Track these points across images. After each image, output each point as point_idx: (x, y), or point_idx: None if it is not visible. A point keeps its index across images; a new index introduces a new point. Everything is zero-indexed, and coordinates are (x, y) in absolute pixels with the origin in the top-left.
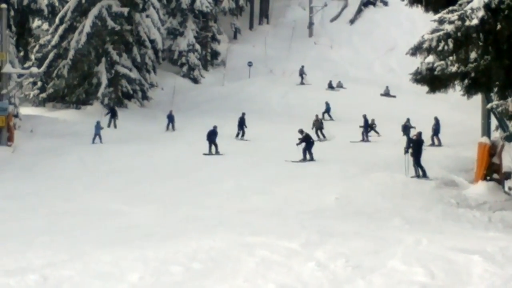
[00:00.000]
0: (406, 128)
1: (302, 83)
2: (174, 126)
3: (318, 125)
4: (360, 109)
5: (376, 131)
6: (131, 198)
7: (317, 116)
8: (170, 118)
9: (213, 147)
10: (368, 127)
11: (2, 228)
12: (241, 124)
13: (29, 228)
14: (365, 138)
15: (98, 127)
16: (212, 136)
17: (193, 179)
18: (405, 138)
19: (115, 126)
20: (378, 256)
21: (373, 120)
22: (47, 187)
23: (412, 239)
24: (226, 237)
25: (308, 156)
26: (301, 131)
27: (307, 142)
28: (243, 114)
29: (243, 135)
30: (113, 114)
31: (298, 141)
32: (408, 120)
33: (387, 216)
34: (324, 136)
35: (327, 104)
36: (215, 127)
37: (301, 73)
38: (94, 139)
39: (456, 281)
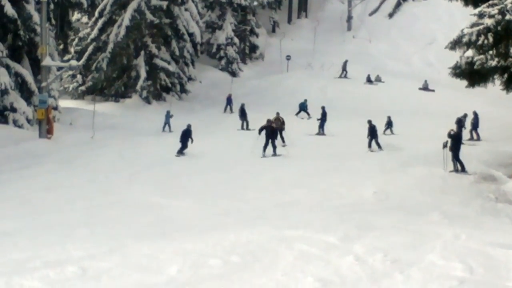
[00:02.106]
0: (460, 122)
1: (345, 76)
2: (232, 108)
3: (279, 126)
4: (398, 103)
5: (391, 130)
6: (169, 191)
7: (277, 114)
8: (229, 101)
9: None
10: (323, 120)
11: (42, 220)
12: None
13: (68, 220)
14: (321, 131)
15: (168, 116)
16: (185, 136)
17: (231, 172)
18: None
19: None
20: (416, 251)
21: (389, 117)
22: (86, 180)
23: (450, 234)
24: (264, 231)
25: (272, 151)
26: (268, 120)
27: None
28: (243, 104)
29: (247, 126)
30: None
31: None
32: (465, 115)
33: (425, 211)
34: (283, 141)
35: (305, 101)
36: (189, 126)
37: (344, 67)
38: (164, 127)
39: (495, 276)
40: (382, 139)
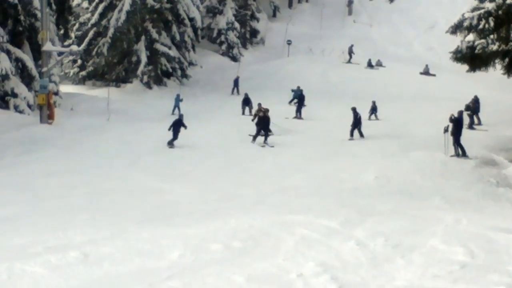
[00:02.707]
0: (469, 108)
1: (349, 61)
2: (239, 90)
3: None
4: (399, 87)
5: (376, 115)
6: (171, 176)
7: (259, 105)
8: (236, 83)
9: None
10: (301, 104)
11: (44, 206)
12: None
13: (70, 205)
14: (298, 115)
15: (177, 99)
16: (176, 126)
17: (232, 157)
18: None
19: (250, 113)
20: (417, 235)
21: (374, 102)
22: (88, 165)
23: (452, 219)
24: (265, 216)
25: (264, 140)
26: (259, 109)
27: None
28: (246, 94)
29: (250, 111)
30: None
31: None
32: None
33: (426, 195)
34: (269, 130)
35: (298, 89)
36: (181, 117)
37: (350, 51)
38: (173, 110)
39: (496, 260)
40: (380, 125)
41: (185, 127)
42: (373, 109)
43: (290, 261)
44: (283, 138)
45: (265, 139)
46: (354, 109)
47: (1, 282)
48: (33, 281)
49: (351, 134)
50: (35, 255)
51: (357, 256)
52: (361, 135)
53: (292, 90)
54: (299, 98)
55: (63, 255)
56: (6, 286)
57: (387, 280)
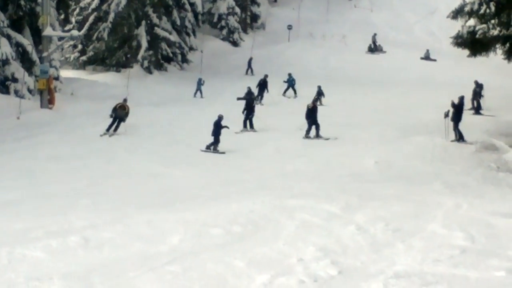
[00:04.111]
0: (476, 94)
1: (375, 50)
2: (253, 71)
3: (122, 114)
4: (400, 72)
5: (320, 101)
6: (172, 161)
7: (124, 101)
8: (249, 63)
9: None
10: (265, 89)
11: (45, 190)
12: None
13: (71, 190)
14: (259, 99)
15: (199, 83)
16: (217, 128)
17: (234, 142)
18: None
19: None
20: (418, 220)
21: (319, 87)
22: (88, 150)
23: (452, 203)
24: (266, 200)
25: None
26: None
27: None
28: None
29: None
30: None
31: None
32: (481, 86)
33: (427, 180)
34: (115, 129)
35: (289, 76)
36: (220, 117)
37: (374, 40)
38: (195, 93)
39: (496, 245)
40: (379, 109)
41: (225, 127)
42: (319, 94)
43: (291, 246)
44: (287, 122)
45: (317, 132)
46: (248, 90)
47: (1, 266)
48: (33, 266)
49: (244, 125)
50: (36, 240)
51: (357, 241)
52: (251, 125)
53: (284, 81)
54: (261, 83)
55: (63, 240)
56: (7, 270)
57: (387, 265)
